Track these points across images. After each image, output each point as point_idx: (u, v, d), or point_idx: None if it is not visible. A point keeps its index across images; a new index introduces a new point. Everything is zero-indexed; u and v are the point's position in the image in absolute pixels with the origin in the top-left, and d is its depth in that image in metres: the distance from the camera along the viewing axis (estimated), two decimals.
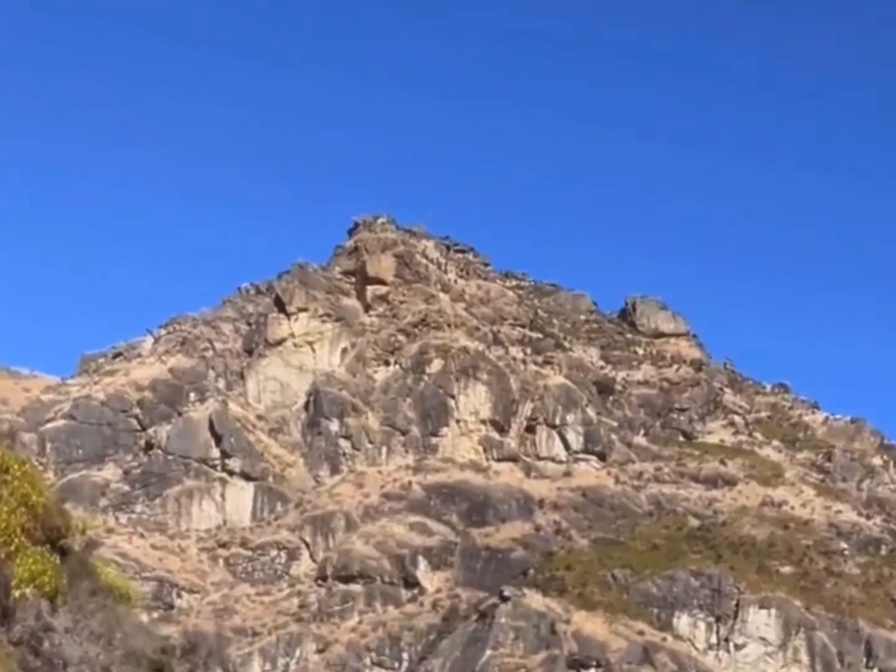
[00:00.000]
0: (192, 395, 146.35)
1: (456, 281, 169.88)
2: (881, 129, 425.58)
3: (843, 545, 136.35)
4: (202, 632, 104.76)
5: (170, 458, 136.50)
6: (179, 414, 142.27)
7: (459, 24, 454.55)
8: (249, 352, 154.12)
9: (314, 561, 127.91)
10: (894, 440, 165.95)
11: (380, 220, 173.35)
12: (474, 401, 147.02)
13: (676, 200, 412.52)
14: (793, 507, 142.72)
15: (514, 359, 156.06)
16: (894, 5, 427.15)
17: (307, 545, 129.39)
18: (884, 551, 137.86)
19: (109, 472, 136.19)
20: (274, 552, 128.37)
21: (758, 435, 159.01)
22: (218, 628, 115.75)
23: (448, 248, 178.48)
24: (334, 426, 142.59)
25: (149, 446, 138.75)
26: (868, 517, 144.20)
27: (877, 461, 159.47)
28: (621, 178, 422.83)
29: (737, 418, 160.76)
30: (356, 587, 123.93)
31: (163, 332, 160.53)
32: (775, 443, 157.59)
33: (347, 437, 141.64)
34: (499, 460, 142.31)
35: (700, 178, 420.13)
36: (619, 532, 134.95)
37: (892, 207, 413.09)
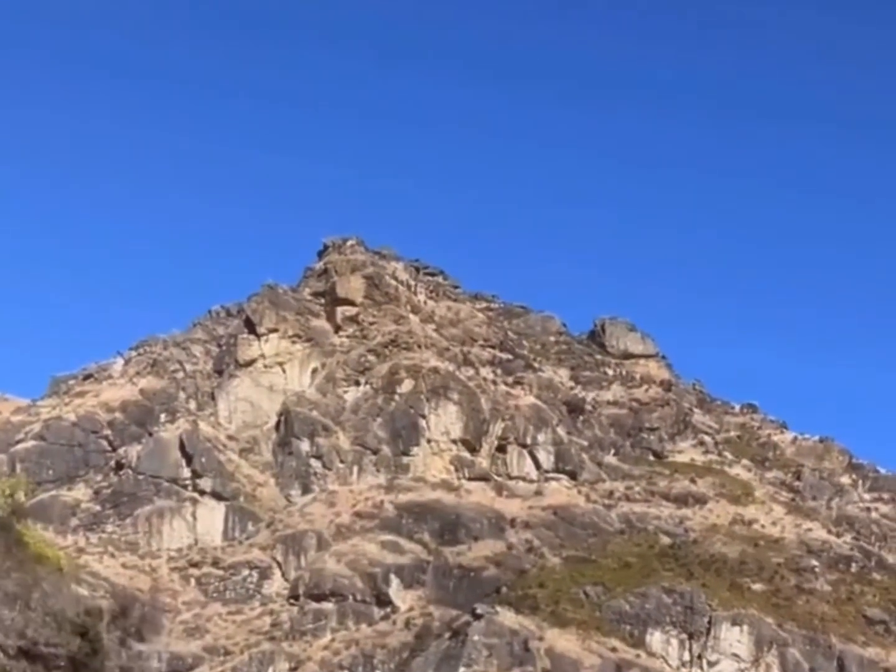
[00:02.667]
0: (163, 416, 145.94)
1: (426, 302, 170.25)
2: (846, 144, 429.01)
3: (814, 562, 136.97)
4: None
5: (140, 477, 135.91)
6: (150, 434, 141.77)
7: (424, 50, 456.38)
8: (220, 373, 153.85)
9: (286, 580, 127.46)
10: (863, 459, 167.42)
11: (349, 243, 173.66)
12: (445, 420, 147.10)
13: (643, 223, 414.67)
14: (763, 526, 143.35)
15: (485, 379, 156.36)
16: None
17: (279, 564, 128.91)
18: (854, 568, 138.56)
19: (80, 493, 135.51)
20: (246, 571, 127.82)
21: (727, 454, 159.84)
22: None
23: (417, 270, 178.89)
24: (305, 446, 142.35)
25: (119, 466, 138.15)
26: (838, 535, 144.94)
27: (846, 480, 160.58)
28: (588, 200, 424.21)
29: (706, 438, 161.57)
30: (328, 605, 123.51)
31: (133, 354, 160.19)
32: (745, 462, 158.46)
33: (318, 457, 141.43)
34: (470, 479, 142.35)
35: (666, 200, 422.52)
36: (591, 550, 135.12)
37: (858, 224, 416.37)
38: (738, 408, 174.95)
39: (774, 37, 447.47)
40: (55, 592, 23.36)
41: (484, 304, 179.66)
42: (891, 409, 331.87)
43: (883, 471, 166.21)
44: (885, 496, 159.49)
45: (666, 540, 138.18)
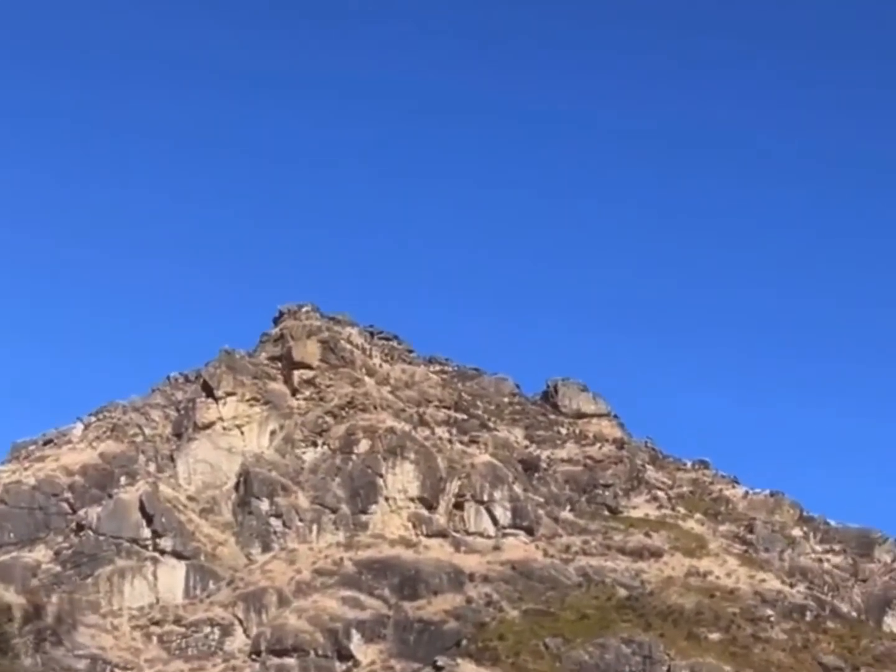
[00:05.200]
0: (123, 479, 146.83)
1: (381, 365, 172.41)
2: (796, 187, 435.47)
3: (769, 612, 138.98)
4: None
5: (101, 538, 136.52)
6: (110, 496, 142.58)
7: (377, 109, 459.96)
8: (179, 436, 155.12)
9: (248, 636, 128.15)
10: (813, 512, 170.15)
11: (304, 309, 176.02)
12: (402, 479, 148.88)
13: (591, 282, 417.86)
14: (718, 577, 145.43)
15: (440, 439, 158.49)
16: None
17: (240, 621, 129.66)
18: (808, 617, 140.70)
19: (41, 554, 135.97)
20: (207, 628, 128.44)
21: (681, 509, 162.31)
22: None
23: (372, 334, 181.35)
24: (265, 505, 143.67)
25: (80, 528, 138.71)
26: (792, 585, 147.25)
27: (797, 532, 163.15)
28: (537, 263, 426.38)
29: (660, 493, 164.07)
30: (290, 661, 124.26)
31: (93, 419, 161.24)
32: (698, 516, 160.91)
33: (278, 516, 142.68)
34: (428, 536, 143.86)
35: (612, 259, 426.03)
36: (550, 603, 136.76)
37: (804, 270, 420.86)
38: (689, 464, 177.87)
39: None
40: None
41: (438, 367, 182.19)
42: (839, 463, 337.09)
43: (833, 523, 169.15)
44: (836, 548, 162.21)
45: (623, 592, 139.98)
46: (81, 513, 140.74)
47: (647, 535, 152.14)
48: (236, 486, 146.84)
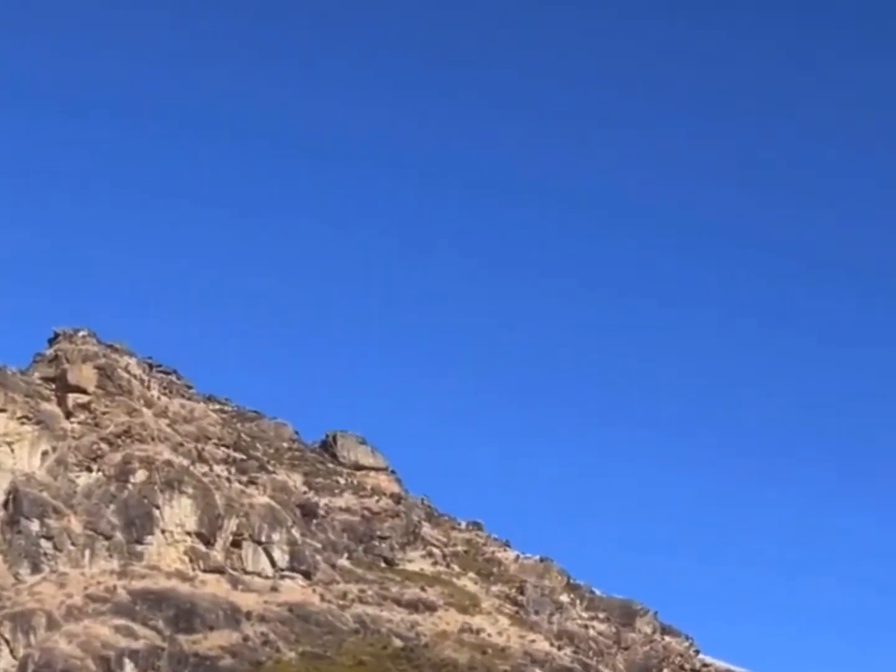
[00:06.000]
0: None
1: (159, 398, 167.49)
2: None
3: (538, 671, 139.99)
4: None
5: None
6: None
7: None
8: None
9: (14, 657, 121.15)
10: (580, 580, 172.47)
11: (81, 333, 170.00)
12: (179, 513, 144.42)
13: (370, 343, 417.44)
14: (490, 635, 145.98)
15: (219, 476, 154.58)
16: None
17: (7, 641, 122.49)
18: None
19: None
20: None
21: (455, 566, 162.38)
22: None
23: (150, 366, 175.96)
24: (35, 526, 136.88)
25: None
26: (559, 648, 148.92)
27: (565, 598, 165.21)
28: (319, 315, 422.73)
29: (435, 550, 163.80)
30: None
31: None
32: (471, 575, 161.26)
33: (49, 538, 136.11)
34: (205, 571, 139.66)
35: (387, 322, 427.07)
36: (326, 647, 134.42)
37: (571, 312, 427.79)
38: (464, 524, 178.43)
39: None
40: None
41: (217, 406, 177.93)
42: (605, 534, 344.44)
43: (598, 592, 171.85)
44: (601, 615, 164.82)
45: (398, 643, 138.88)
46: None
47: (422, 589, 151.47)
48: (5, 504, 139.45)
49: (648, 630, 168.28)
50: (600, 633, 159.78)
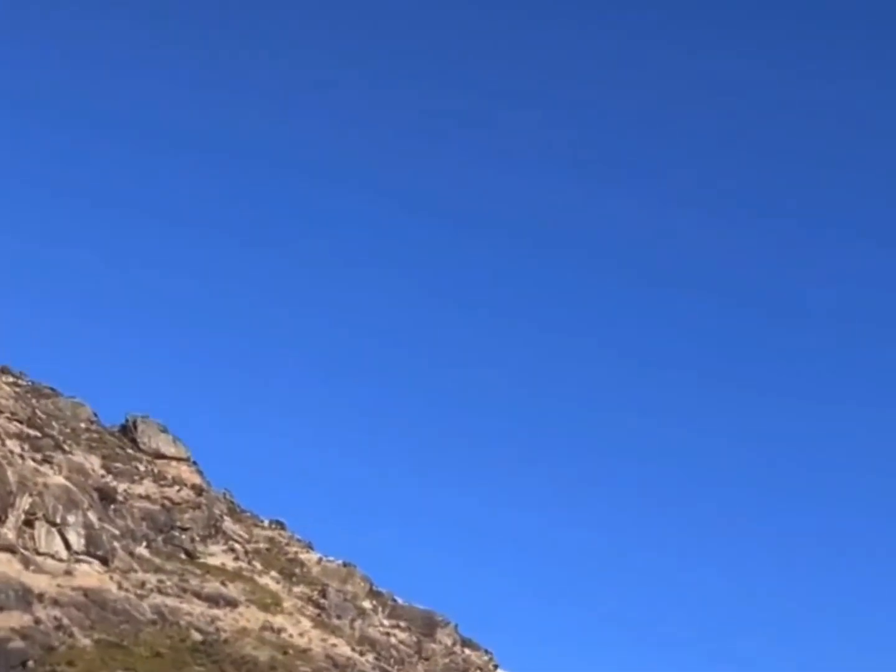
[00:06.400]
0: None
1: None
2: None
3: None
4: None
5: None
6: None
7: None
8: None
9: None
10: (382, 588, 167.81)
11: None
12: None
13: (176, 327, 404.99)
14: (291, 635, 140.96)
15: (12, 452, 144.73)
16: None
17: None
18: None
19: None
20: None
21: (257, 564, 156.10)
22: None
23: None
24: None
25: None
26: (361, 653, 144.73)
27: (367, 604, 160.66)
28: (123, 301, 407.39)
29: (237, 545, 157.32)
30: None
31: None
32: (273, 574, 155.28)
33: None
34: None
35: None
36: (123, 636, 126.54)
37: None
38: (266, 522, 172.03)
39: None
40: None
41: (11, 379, 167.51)
42: (410, 542, 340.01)
43: (400, 601, 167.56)
44: (402, 624, 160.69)
45: (198, 636, 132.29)
46: None
47: (223, 583, 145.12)
48: None
49: (449, 642, 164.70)
50: (401, 642, 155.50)
